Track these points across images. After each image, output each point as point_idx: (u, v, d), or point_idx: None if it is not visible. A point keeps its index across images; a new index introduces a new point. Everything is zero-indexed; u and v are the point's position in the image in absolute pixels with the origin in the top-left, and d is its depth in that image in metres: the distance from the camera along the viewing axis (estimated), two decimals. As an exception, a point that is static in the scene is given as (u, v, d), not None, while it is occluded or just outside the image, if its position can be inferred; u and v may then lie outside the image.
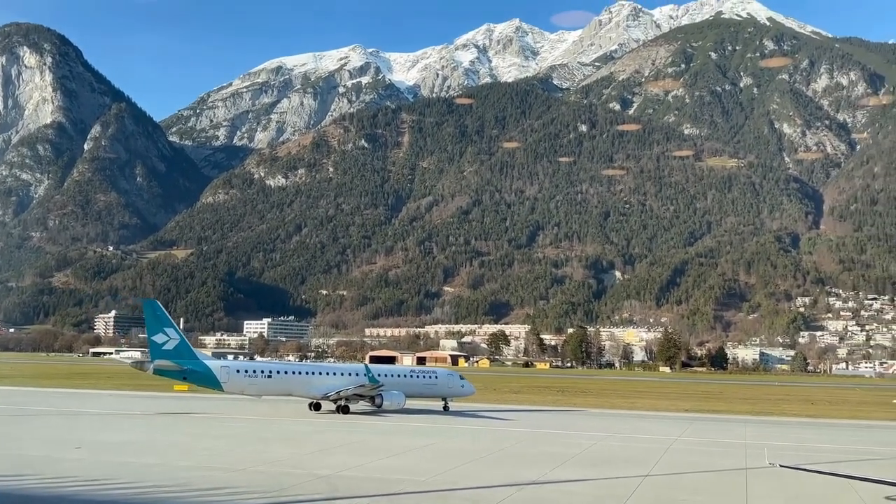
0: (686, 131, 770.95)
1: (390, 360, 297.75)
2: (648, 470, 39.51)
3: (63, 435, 48.78)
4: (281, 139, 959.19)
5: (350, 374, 69.89)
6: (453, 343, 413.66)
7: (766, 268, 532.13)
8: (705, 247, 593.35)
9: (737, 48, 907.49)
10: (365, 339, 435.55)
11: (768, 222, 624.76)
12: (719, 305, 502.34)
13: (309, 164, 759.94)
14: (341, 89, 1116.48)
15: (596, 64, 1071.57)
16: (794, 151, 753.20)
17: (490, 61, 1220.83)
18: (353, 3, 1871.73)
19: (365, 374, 66.85)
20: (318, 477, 34.35)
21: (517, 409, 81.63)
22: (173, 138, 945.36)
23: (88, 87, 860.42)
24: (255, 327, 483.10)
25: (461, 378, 77.04)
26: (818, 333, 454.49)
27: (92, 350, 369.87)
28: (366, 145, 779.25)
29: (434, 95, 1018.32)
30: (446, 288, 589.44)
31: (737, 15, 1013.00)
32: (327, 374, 71.12)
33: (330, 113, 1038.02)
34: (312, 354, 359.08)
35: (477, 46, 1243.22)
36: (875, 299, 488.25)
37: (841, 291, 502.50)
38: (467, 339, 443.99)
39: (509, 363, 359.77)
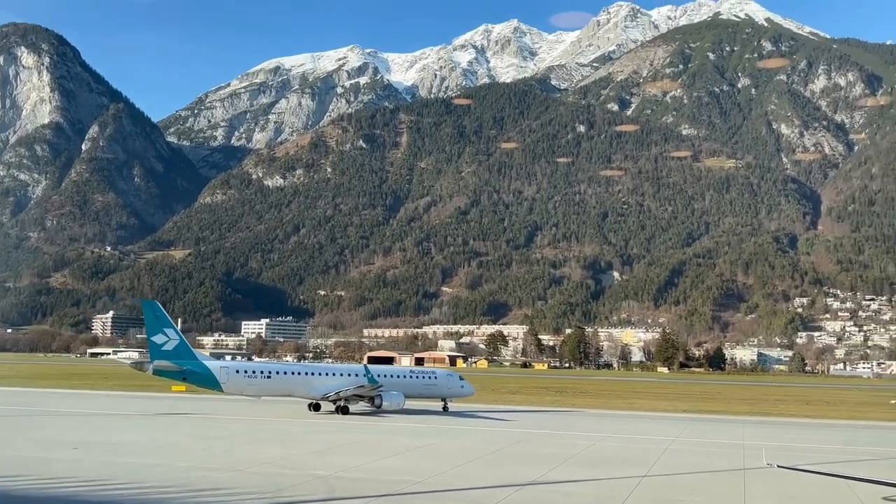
0: (684, 132, 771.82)
1: (388, 360, 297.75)
2: (646, 470, 39.50)
3: (60, 435, 48.70)
4: (279, 139, 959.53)
5: (349, 375, 69.84)
6: (451, 343, 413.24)
7: (763, 268, 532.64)
8: (703, 247, 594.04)
9: (735, 49, 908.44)
10: (363, 340, 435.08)
11: (766, 223, 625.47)
12: (717, 306, 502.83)
13: (307, 165, 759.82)
14: (339, 90, 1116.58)
15: (594, 64, 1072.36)
16: (791, 152, 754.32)
17: (488, 62, 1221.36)
18: (351, 3, 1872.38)
19: (364, 375, 66.80)
20: (316, 477, 34.31)
21: (515, 409, 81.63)
22: (171, 139, 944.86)
23: (86, 88, 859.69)
24: (252, 328, 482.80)
25: (461, 378, 77.04)
26: (816, 334, 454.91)
27: (90, 350, 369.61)
28: (364, 146, 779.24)
29: (432, 96, 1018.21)
30: (444, 288, 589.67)
31: (735, 16, 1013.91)
32: (327, 374, 71.10)
33: (328, 113, 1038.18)
34: (310, 355, 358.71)
35: (475, 47, 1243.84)
36: (873, 300, 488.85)
37: (839, 292, 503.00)
38: (465, 339, 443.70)
39: (507, 364, 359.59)
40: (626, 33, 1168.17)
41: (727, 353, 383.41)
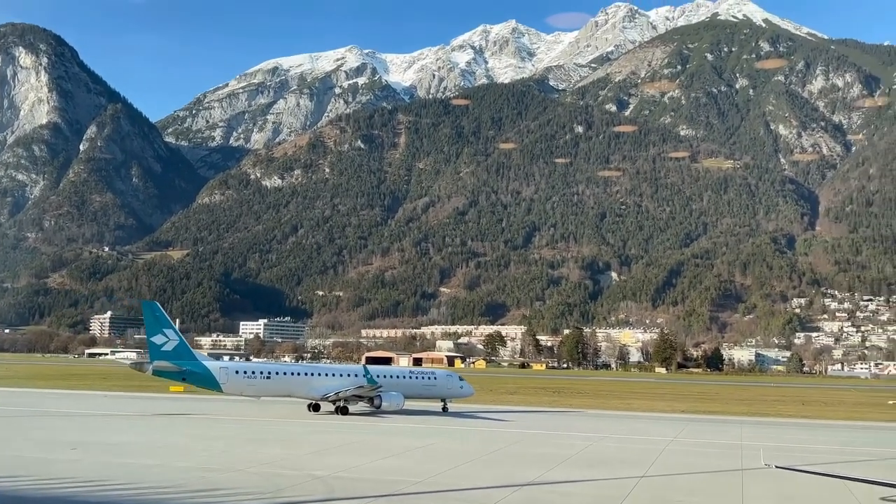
0: (682, 133, 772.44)
1: (386, 360, 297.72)
2: (644, 471, 39.56)
3: (59, 436, 48.70)
4: (277, 140, 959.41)
5: (349, 375, 69.84)
6: (449, 344, 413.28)
7: (761, 269, 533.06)
8: (701, 248, 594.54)
9: (733, 50, 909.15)
10: (361, 340, 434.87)
11: (764, 223, 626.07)
12: (715, 306, 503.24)
13: (305, 165, 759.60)
14: (337, 90, 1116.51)
15: (592, 65, 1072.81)
16: (789, 153, 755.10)
17: (486, 62, 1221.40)
18: (349, 4, 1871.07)
19: (363, 376, 66.83)
20: (315, 478, 34.33)
21: (514, 410, 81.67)
22: (169, 139, 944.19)
23: (84, 88, 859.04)
24: (251, 328, 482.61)
25: (460, 379, 77.06)
26: (814, 334, 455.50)
27: (87, 351, 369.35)
28: (362, 146, 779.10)
29: (430, 96, 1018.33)
30: (442, 289, 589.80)
31: (733, 16, 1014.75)
32: (326, 375, 71.11)
33: (326, 114, 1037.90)
34: (308, 355, 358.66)
35: (473, 47, 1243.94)
36: (870, 300, 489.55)
37: (836, 292, 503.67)
38: (463, 340, 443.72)
39: (505, 364, 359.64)
40: (624, 34, 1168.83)
41: (725, 353, 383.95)
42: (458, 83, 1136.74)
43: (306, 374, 71.80)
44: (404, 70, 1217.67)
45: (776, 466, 34.77)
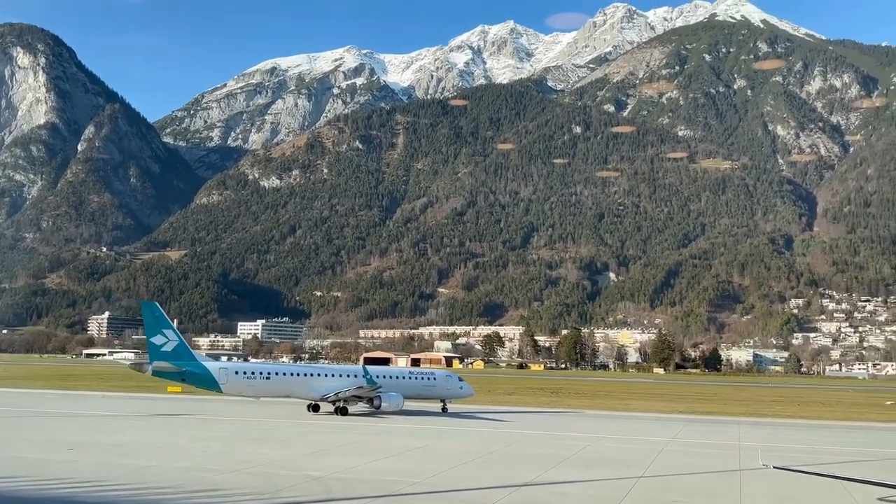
0: (680, 133, 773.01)
1: (384, 361, 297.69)
2: (642, 471, 39.57)
3: (56, 437, 48.63)
4: (275, 140, 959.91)
5: (348, 376, 69.82)
6: (448, 344, 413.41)
7: (759, 269, 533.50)
8: (699, 248, 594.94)
9: (731, 50, 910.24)
10: (359, 341, 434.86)
11: (762, 224, 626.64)
12: (713, 307, 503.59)
13: (303, 166, 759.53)
14: (336, 90, 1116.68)
15: (590, 66, 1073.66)
16: (787, 153, 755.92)
17: (484, 63, 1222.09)
18: (347, 4, 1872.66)
19: (363, 376, 66.84)
20: (313, 478, 34.31)
21: (512, 410, 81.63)
22: (167, 139, 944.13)
23: (82, 88, 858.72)
24: (248, 328, 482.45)
25: (460, 380, 77.06)
26: (812, 335, 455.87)
27: (85, 351, 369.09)
28: (360, 146, 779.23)
29: (428, 97, 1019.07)
30: (441, 289, 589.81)
31: (731, 17, 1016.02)
32: (326, 375, 71.09)
33: (324, 114, 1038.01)
34: (306, 356, 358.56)
35: (471, 48, 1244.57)
36: (868, 301, 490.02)
37: (834, 293, 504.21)
38: (462, 340, 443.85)
39: (503, 365, 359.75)
40: (623, 34, 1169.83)
41: (723, 354, 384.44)
42: (456, 84, 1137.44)
43: (306, 374, 71.79)
44: (402, 70, 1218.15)
45: (774, 467, 34.85)
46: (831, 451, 52.12)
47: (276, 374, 70.69)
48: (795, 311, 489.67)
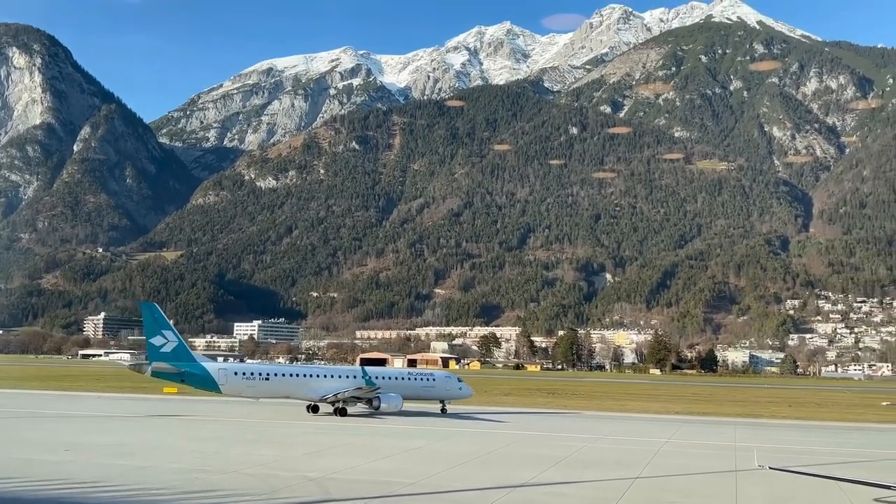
0: (676, 134, 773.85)
1: (381, 362, 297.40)
2: (638, 472, 39.61)
3: (51, 437, 48.55)
4: (271, 141, 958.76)
5: (348, 377, 69.80)
6: (444, 345, 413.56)
7: (755, 270, 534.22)
8: (695, 249, 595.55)
9: (727, 52, 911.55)
10: (356, 342, 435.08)
11: (758, 225, 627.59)
12: (709, 308, 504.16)
13: (300, 166, 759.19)
14: (332, 91, 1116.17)
15: (587, 67, 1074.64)
16: (783, 155, 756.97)
17: (481, 63, 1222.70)
18: (344, 5, 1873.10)
19: (362, 377, 66.82)
20: (309, 479, 34.29)
21: (509, 411, 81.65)
22: (163, 140, 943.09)
23: (78, 88, 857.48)
24: (245, 329, 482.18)
25: (459, 380, 77.06)
26: (807, 336, 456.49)
27: (81, 352, 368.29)
28: (357, 147, 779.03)
29: (425, 97, 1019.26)
30: (437, 290, 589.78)
31: (727, 18, 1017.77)
32: (325, 376, 71.07)
33: (321, 115, 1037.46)
34: (303, 357, 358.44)
35: (468, 49, 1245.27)
36: (864, 302, 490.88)
37: (830, 294, 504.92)
38: (458, 341, 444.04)
39: (500, 365, 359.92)
40: (619, 36, 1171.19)
41: (719, 354, 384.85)
42: (452, 84, 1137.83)
43: (305, 375, 71.81)
44: (399, 71, 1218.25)
45: (770, 467, 34.91)
46: (827, 451, 52.20)
47: (276, 374, 70.66)
48: (791, 312, 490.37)
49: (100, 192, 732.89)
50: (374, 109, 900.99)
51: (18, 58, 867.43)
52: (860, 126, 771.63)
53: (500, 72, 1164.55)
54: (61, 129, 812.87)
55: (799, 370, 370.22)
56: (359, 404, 67.72)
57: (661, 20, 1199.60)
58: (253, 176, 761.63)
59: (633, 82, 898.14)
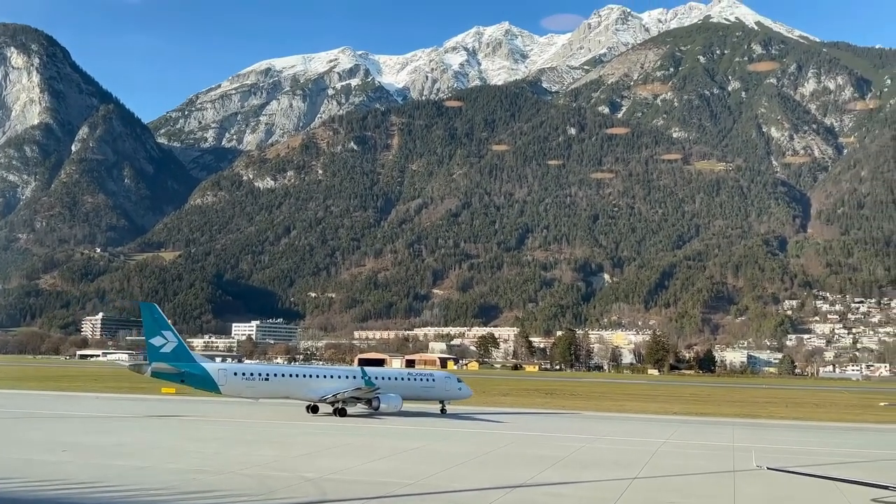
0: (674, 135, 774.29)
1: (379, 362, 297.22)
2: (636, 472, 39.62)
3: (49, 437, 48.49)
4: (270, 141, 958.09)
5: (347, 377, 69.80)
6: (442, 346, 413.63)
7: (753, 271, 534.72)
8: (693, 250, 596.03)
9: (725, 52, 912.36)
10: (354, 342, 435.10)
11: (756, 225, 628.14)
12: (707, 308, 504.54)
13: (298, 167, 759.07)
14: (330, 91, 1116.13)
15: (585, 67, 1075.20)
16: (781, 155, 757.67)
17: (479, 64, 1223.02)
18: (342, 5, 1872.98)
19: (361, 377, 66.82)
20: (307, 480, 34.27)
21: (507, 411, 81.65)
22: (161, 140, 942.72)
23: (76, 89, 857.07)
24: (243, 329, 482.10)
25: (458, 381, 77.03)
26: (805, 336, 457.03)
27: (79, 352, 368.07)
28: (355, 147, 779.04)
29: (423, 98, 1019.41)
30: (435, 290, 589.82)
31: (725, 19, 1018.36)
32: (325, 376, 71.04)
33: (319, 115, 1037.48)
34: (301, 357, 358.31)
35: (466, 49, 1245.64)
36: (862, 302, 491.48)
37: (828, 294, 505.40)
38: (456, 341, 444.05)
39: (498, 366, 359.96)
40: (617, 36, 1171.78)
41: (717, 355, 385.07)
42: (451, 85, 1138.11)
43: (305, 375, 71.80)
44: (397, 71, 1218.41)
45: (768, 468, 34.97)
46: (825, 452, 52.26)
47: (275, 375, 70.64)
48: (789, 312, 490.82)
49: (98, 193, 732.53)
50: (372, 110, 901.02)
51: (16, 58, 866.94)
52: (858, 127, 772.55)
53: (498, 72, 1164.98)
54: (59, 130, 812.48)
55: (797, 370, 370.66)
56: (358, 405, 67.72)
57: (660, 21, 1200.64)
58: (251, 176, 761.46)
59: (632, 83, 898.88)
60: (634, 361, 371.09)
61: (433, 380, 75.55)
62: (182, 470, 36.34)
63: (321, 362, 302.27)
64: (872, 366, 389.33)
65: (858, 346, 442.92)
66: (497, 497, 31.73)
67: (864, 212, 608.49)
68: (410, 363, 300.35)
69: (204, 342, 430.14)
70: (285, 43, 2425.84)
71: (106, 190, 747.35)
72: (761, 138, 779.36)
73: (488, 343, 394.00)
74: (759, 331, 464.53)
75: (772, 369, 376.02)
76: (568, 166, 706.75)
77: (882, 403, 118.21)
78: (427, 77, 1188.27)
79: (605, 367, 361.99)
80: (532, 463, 41.91)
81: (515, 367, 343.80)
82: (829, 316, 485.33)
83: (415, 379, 75.41)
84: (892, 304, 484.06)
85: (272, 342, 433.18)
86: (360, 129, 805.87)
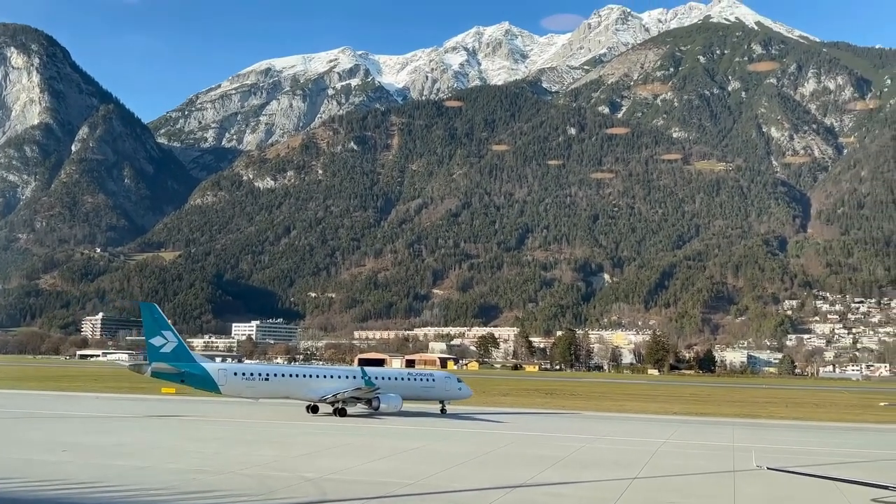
0: (674, 135, 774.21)
1: (379, 362, 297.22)
2: (636, 472, 39.62)
3: (49, 437, 48.48)
4: (270, 141, 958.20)
5: (347, 377, 69.81)
6: (442, 346, 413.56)
7: (753, 271, 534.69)
8: (693, 250, 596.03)
9: (725, 52, 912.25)
10: (354, 342, 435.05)
11: (756, 226, 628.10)
12: (707, 308, 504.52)
13: (298, 167, 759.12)
14: (330, 91, 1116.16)
15: (585, 67, 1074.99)
16: (781, 155, 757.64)
17: (479, 64, 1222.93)
18: (342, 5, 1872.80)
19: (362, 378, 66.83)
20: (307, 480, 34.26)
21: (507, 411, 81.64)
22: (161, 140, 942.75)
23: (76, 89, 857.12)
24: (243, 329, 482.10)
25: (459, 381, 77.02)
26: (805, 336, 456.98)
27: (79, 352, 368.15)
28: (355, 147, 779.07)
29: (423, 98, 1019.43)
30: (435, 290, 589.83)
31: (725, 19, 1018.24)
32: (325, 376, 71.06)
33: (319, 115, 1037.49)
34: (301, 357, 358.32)
35: (466, 49, 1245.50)
36: (862, 302, 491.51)
37: (828, 294, 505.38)
38: (456, 341, 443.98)
39: (498, 366, 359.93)
40: (617, 36, 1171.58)
41: (717, 355, 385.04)
42: (451, 85, 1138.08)
43: (305, 375, 71.82)
44: (397, 71, 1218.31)
45: (768, 468, 34.96)
46: (825, 452, 52.25)
47: (275, 375, 70.67)
48: (789, 312, 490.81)
49: (98, 193, 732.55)
50: (372, 110, 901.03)
51: (16, 58, 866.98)
52: (858, 127, 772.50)
53: (498, 72, 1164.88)
54: (59, 130, 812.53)
55: (797, 371, 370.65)
56: (358, 405, 67.74)
57: (660, 21, 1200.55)
58: (251, 176, 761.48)
59: (632, 83, 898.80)
60: (634, 361, 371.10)
61: (433, 380, 75.57)
62: (182, 470, 36.33)
63: (321, 362, 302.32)
64: (872, 366, 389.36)
65: (858, 346, 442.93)
66: (497, 497, 31.72)
67: (864, 212, 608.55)
68: (410, 363, 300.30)
69: (204, 342, 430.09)
70: (285, 43, 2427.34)
71: (106, 190, 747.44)
72: (761, 138, 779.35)
73: (488, 343, 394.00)
74: (759, 331, 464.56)
75: (772, 369, 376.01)
76: (568, 166, 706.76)
77: (882, 403, 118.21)
78: (427, 77, 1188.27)
79: (605, 367, 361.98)
80: (532, 463, 41.91)
81: (515, 367, 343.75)
82: (829, 316, 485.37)
83: (415, 379, 75.41)
84: (892, 304, 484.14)
85: (272, 342, 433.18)
86: (360, 129, 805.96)
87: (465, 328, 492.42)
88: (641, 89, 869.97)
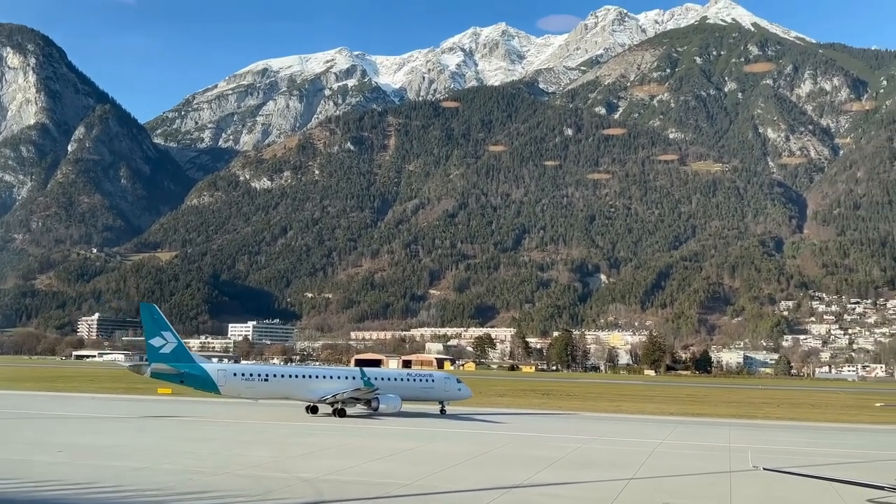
0: (671, 136, 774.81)
1: (376, 363, 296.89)
2: (633, 473, 39.66)
3: (45, 438, 48.43)
4: (266, 141, 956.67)
5: (347, 378, 69.87)
6: (439, 346, 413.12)
7: (750, 272, 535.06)
8: (690, 251, 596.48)
9: (721, 53, 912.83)
10: (350, 343, 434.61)
11: (752, 226, 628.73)
12: (704, 309, 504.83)
13: (294, 167, 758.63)
14: (327, 92, 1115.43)
15: (582, 68, 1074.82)
16: (778, 156, 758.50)
17: (476, 65, 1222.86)
18: (339, 5, 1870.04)
19: (361, 378, 66.85)
20: (303, 480, 34.27)
21: (505, 412, 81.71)
22: (158, 140, 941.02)
23: (72, 89, 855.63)
24: (239, 330, 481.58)
25: (458, 381, 77.05)
26: (802, 337, 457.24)
27: (75, 353, 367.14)
28: (352, 148, 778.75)
29: (420, 98, 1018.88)
30: (432, 291, 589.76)
31: (722, 20, 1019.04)
32: (324, 377, 71.18)
33: (316, 115, 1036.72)
34: (297, 357, 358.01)
35: (463, 50, 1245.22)
36: (858, 303, 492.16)
37: (824, 295, 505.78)
38: (453, 342, 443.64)
39: (495, 366, 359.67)
40: (614, 37, 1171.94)
41: (713, 355, 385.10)
42: (448, 85, 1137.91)
43: (304, 376, 72.02)
44: (394, 72, 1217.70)
45: (764, 468, 34.99)
46: (821, 452, 52.35)
47: (275, 375, 70.78)
48: (785, 313, 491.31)
49: (94, 193, 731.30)
50: (369, 110, 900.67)
51: (12, 58, 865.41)
52: (854, 128, 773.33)
53: (495, 73, 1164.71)
54: (55, 130, 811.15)
55: (793, 371, 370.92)
56: (358, 405, 67.77)
57: (656, 21, 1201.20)
58: (248, 176, 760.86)
59: (628, 84, 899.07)
60: (631, 362, 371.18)
61: (432, 380, 75.62)
62: (179, 471, 36.32)
63: (318, 363, 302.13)
64: (868, 366, 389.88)
65: (854, 346, 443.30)
66: (493, 498, 31.74)
67: (860, 213, 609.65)
68: (407, 364, 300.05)
69: (200, 343, 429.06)
70: (282, 43, 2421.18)
71: (102, 190, 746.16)
72: (758, 139, 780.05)
73: (485, 344, 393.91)
74: (756, 331, 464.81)
75: (768, 370, 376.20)
76: (564, 167, 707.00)
77: (878, 404, 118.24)
78: (424, 78, 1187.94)
79: (602, 368, 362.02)
80: (529, 463, 41.93)
81: (512, 368, 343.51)
82: (825, 317, 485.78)
83: (414, 380, 75.45)
84: (888, 305, 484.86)
85: (269, 343, 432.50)
86: (356, 129, 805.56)
87: (462, 329, 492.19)
88: (638, 90, 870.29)
